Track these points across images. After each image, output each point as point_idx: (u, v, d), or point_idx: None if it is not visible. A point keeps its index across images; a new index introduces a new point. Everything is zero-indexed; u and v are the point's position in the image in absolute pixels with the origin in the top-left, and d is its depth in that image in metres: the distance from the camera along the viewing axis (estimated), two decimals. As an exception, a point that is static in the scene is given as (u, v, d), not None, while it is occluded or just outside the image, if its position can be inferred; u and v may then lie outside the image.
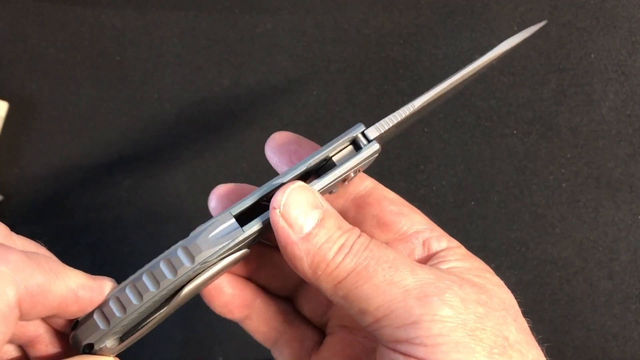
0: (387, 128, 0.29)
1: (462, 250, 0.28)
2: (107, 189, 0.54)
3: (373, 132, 0.29)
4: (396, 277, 0.24)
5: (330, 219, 0.26)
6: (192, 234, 0.26)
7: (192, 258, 0.25)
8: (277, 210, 0.25)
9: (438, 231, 0.29)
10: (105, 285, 0.26)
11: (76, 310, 0.25)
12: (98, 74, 0.57)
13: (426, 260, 0.28)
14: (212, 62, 0.56)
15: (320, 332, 0.32)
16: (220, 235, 0.25)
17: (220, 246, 0.25)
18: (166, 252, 0.25)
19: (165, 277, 0.25)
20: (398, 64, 0.56)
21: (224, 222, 0.26)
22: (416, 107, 0.29)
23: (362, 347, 0.30)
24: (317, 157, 0.28)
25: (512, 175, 0.53)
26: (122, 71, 0.57)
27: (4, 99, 0.54)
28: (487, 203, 0.53)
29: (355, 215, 0.29)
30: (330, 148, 0.28)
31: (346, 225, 0.26)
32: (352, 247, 0.25)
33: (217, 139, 0.55)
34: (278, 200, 0.25)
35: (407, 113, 0.29)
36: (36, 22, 0.58)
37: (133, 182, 0.54)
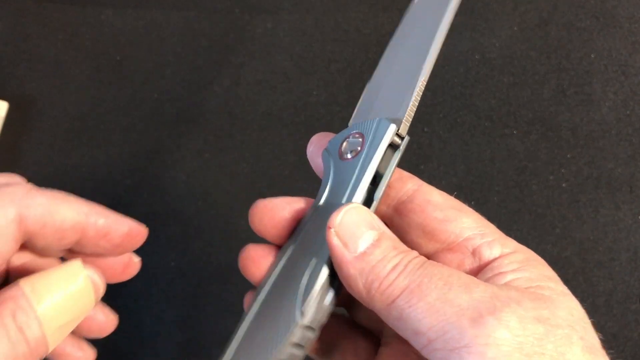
0: (412, 116, 0.29)
1: (520, 255, 0.26)
2: (107, 189, 0.54)
3: (404, 127, 0.28)
4: (450, 294, 0.22)
5: (386, 240, 0.25)
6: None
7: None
8: (332, 230, 0.25)
9: (490, 235, 0.27)
10: (124, 223, 0.27)
11: (94, 235, 0.26)
12: (98, 74, 0.57)
13: (478, 271, 0.26)
14: (212, 62, 0.56)
15: (375, 342, 0.31)
16: None
17: None
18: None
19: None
20: (398, 64, 0.56)
21: None
22: (425, 78, 0.30)
23: (417, 359, 0.28)
24: (368, 175, 0.28)
25: (512, 175, 0.53)
26: (122, 71, 0.57)
27: (4, 99, 0.54)
28: (487, 203, 0.53)
29: (398, 224, 0.28)
30: (377, 162, 0.28)
31: (403, 247, 0.25)
32: (406, 266, 0.24)
33: (217, 139, 0.55)
34: (334, 219, 0.25)
35: (421, 90, 0.29)
36: (36, 22, 0.58)
37: (133, 182, 0.54)
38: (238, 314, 0.27)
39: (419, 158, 0.54)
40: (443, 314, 0.22)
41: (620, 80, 0.55)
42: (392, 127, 0.28)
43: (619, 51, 0.55)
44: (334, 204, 0.27)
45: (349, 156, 0.28)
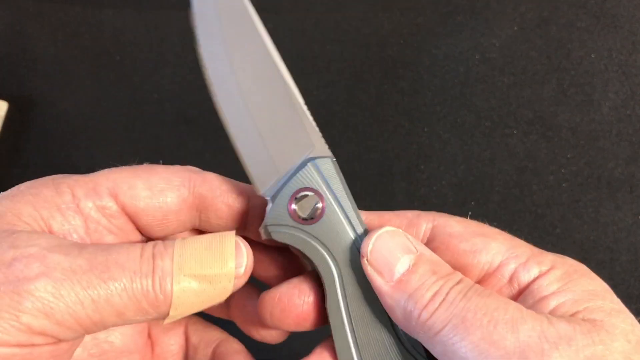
0: (323, 141, 0.27)
1: (558, 272, 0.24)
2: (107, 189, 0.54)
3: (328, 153, 0.27)
4: (495, 334, 0.21)
5: (424, 263, 0.24)
6: None
7: None
8: (365, 259, 0.24)
9: (523, 254, 0.25)
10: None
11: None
12: (98, 74, 0.57)
13: (517, 296, 0.24)
14: (212, 62, 0.56)
15: None
16: None
17: None
18: None
19: None
20: (398, 64, 0.56)
21: None
22: (302, 101, 0.28)
23: None
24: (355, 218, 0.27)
25: (512, 175, 0.53)
26: (122, 71, 0.57)
27: (4, 99, 0.54)
28: (487, 203, 0.53)
29: None
30: (350, 200, 0.27)
31: (444, 269, 0.24)
32: (447, 294, 0.22)
33: (217, 139, 0.55)
34: (365, 247, 0.24)
35: (308, 112, 0.28)
36: (36, 22, 0.58)
37: (133, 182, 0.54)
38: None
39: (419, 158, 0.54)
40: (488, 357, 0.21)
41: (621, 80, 0.55)
42: (329, 161, 0.27)
43: (619, 51, 0.55)
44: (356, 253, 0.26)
45: (318, 212, 0.26)
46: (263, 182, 0.27)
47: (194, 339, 0.30)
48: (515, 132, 0.54)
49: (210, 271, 0.24)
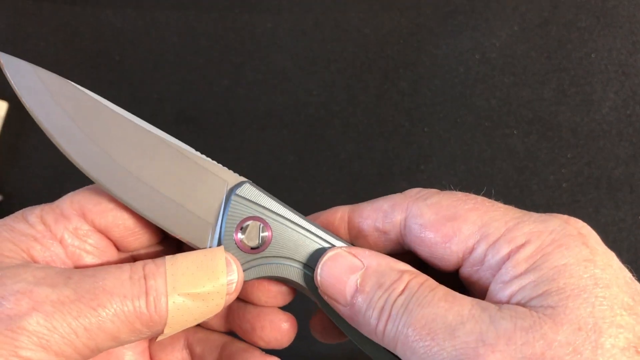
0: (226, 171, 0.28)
1: (530, 247, 0.22)
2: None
3: (239, 178, 0.28)
4: (435, 346, 0.21)
5: (369, 278, 0.24)
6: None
7: None
8: (319, 290, 0.25)
9: (496, 232, 0.23)
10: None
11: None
12: (98, 74, 0.57)
13: (492, 281, 0.23)
14: (212, 62, 0.56)
15: None
16: None
17: None
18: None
19: None
20: (398, 64, 0.56)
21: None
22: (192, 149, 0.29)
23: None
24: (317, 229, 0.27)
25: (512, 175, 0.53)
26: (122, 71, 0.57)
27: (4, 99, 0.54)
28: (487, 203, 0.53)
29: (418, 261, 0.26)
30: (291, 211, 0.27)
31: (389, 278, 0.23)
32: (391, 310, 0.22)
33: (217, 138, 0.55)
34: (316, 278, 0.25)
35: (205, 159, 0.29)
36: (36, 22, 0.58)
37: (133, 182, 0.54)
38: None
39: (419, 158, 0.54)
40: None
41: (621, 80, 0.55)
42: (248, 185, 0.27)
43: (619, 51, 0.55)
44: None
45: (266, 235, 0.26)
46: (202, 239, 0.27)
47: (198, 349, 0.30)
48: (515, 132, 0.54)
49: (203, 289, 0.25)
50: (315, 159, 0.53)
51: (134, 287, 0.24)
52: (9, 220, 0.26)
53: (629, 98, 0.55)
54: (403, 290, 0.23)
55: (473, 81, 0.55)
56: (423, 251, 0.25)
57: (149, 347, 0.30)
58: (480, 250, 0.24)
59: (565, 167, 0.54)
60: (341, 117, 0.55)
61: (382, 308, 0.23)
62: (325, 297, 0.24)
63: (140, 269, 0.24)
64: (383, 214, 0.27)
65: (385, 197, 0.28)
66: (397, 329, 0.22)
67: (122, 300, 0.23)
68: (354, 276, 0.24)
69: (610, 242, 0.52)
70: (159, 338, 0.25)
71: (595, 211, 0.53)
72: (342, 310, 0.24)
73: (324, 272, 0.24)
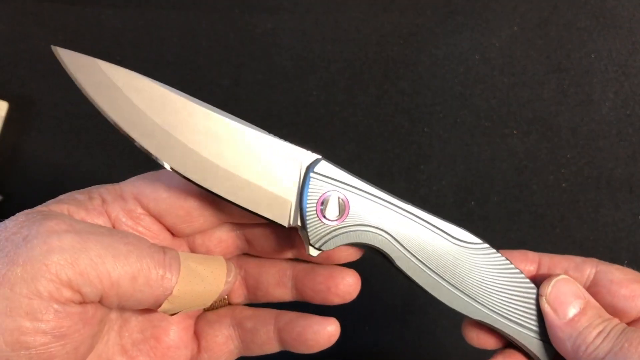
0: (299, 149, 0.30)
1: None
2: (107, 189, 0.54)
3: (317, 157, 0.30)
4: None
5: (591, 308, 0.30)
6: None
7: None
8: (543, 297, 0.30)
9: None
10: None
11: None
12: (98, 74, 0.57)
13: None
14: (212, 62, 0.56)
15: None
16: None
17: None
18: None
19: None
20: (398, 64, 0.56)
21: None
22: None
23: None
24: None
25: (512, 175, 0.53)
26: (122, 71, 0.56)
27: (4, 99, 0.54)
28: (487, 203, 0.53)
29: None
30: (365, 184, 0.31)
31: (606, 315, 0.30)
32: (610, 332, 0.28)
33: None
34: (544, 288, 0.30)
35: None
36: (36, 22, 0.58)
37: (133, 182, 0.54)
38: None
39: (419, 158, 0.54)
40: None
41: (621, 80, 0.55)
42: (323, 162, 0.29)
43: (619, 51, 0.55)
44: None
45: (345, 204, 0.29)
46: (282, 216, 0.29)
47: (249, 324, 0.32)
48: (515, 132, 0.54)
49: (206, 269, 0.28)
50: (315, 159, 0.53)
51: (153, 247, 0.27)
52: (75, 192, 0.29)
53: (628, 98, 0.55)
54: (618, 324, 0.29)
55: (473, 81, 0.55)
56: (603, 301, 0.31)
57: (195, 324, 0.33)
58: None
59: (565, 167, 0.54)
60: (341, 117, 0.55)
61: (602, 330, 0.29)
62: (546, 305, 0.30)
63: (156, 244, 0.28)
64: (575, 264, 0.33)
65: (573, 256, 0.34)
66: (612, 344, 0.28)
67: (148, 246, 0.27)
68: (578, 301, 0.30)
69: (610, 242, 0.52)
70: (159, 310, 0.27)
71: (595, 211, 0.53)
72: (556, 321, 0.30)
73: (556, 287, 0.30)
